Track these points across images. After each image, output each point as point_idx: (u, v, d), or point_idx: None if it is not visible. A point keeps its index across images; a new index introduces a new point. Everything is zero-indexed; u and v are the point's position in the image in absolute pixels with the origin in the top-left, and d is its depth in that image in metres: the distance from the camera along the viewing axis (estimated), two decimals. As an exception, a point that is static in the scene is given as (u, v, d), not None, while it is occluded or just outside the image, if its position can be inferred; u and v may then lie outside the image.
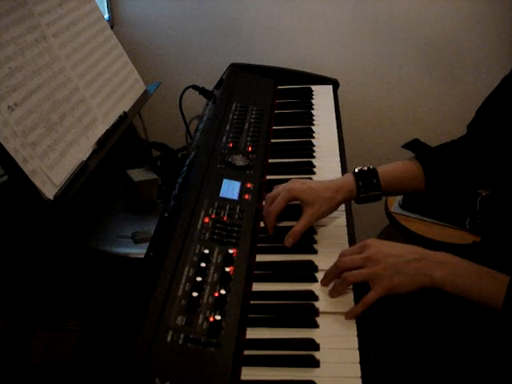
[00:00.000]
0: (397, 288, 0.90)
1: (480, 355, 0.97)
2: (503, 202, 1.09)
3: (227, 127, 1.37)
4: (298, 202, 1.12)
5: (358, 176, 1.11)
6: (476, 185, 1.20)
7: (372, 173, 1.11)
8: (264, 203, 1.13)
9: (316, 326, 0.89)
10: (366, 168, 1.11)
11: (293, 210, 1.15)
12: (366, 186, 1.10)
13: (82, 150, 1.21)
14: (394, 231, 1.77)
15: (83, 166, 1.17)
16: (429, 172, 1.12)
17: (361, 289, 0.94)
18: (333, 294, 0.94)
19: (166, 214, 1.11)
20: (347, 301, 0.93)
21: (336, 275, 0.95)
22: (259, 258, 1.03)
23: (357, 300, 0.93)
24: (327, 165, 1.30)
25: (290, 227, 1.09)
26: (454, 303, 0.93)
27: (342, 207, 1.15)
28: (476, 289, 0.89)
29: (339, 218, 1.13)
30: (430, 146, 1.16)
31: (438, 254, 0.93)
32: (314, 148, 1.36)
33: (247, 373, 0.82)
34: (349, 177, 1.12)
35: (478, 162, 1.12)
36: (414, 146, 1.16)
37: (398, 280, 0.90)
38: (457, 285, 0.89)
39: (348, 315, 0.90)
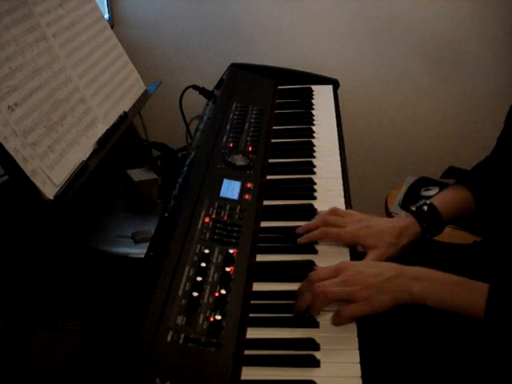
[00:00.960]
0: (378, 307, 0.89)
1: (479, 355, 0.97)
2: (503, 202, 1.09)
3: (227, 127, 1.37)
4: (298, 202, 1.12)
5: (420, 217, 1.09)
6: None
7: (433, 211, 1.10)
8: (317, 218, 1.10)
9: (316, 325, 0.89)
10: (425, 207, 1.10)
11: (293, 210, 1.16)
12: (430, 225, 1.09)
13: (82, 150, 1.21)
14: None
15: (83, 166, 1.17)
16: (476, 193, 1.13)
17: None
18: (312, 311, 0.90)
19: (166, 214, 1.11)
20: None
21: (311, 302, 0.90)
22: (259, 257, 1.03)
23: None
24: (327, 165, 1.30)
25: (291, 227, 1.10)
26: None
27: (342, 207, 1.15)
28: (456, 300, 0.89)
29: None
30: (467, 170, 1.18)
31: (415, 269, 0.92)
32: (314, 148, 1.36)
33: (247, 373, 0.82)
34: (409, 219, 1.09)
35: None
36: (453, 173, 1.17)
37: (379, 299, 0.89)
38: (436, 298, 0.89)
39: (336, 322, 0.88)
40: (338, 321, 0.89)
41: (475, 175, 1.17)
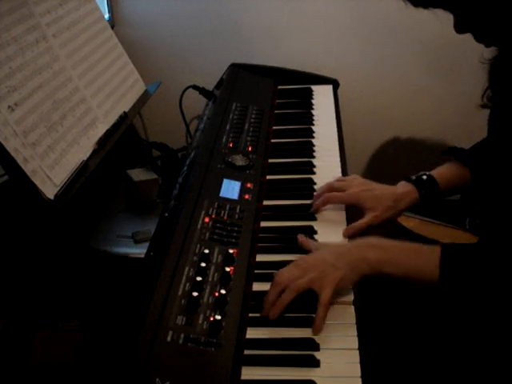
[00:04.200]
0: (341, 282, 0.90)
1: (479, 355, 0.97)
2: (496, 200, 1.09)
3: (227, 127, 1.37)
4: (298, 202, 1.13)
5: (419, 185, 1.15)
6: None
7: (431, 180, 1.16)
8: (325, 185, 1.17)
9: (316, 325, 0.89)
10: (425, 177, 1.16)
11: (293, 210, 1.16)
12: (428, 194, 1.15)
13: (83, 150, 1.21)
14: (394, 231, 1.77)
15: (83, 166, 1.17)
16: (473, 168, 1.18)
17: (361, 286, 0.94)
18: (278, 306, 0.89)
19: (166, 214, 1.11)
20: (347, 300, 0.93)
21: (277, 295, 0.91)
22: (259, 257, 1.03)
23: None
24: (327, 165, 1.30)
25: (291, 227, 1.10)
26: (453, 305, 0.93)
27: (342, 207, 1.15)
28: (411, 265, 0.91)
29: (339, 218, 1.13)
30: (465, 149, 1.22)
31: (368, 239, 0.96)
32: (314, 148, 1.36)
33: (247, 372, 0.82)
34: (409, 187, 1.15)
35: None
36: (453, 151, 1.23)
37: (339, 274, 0.90)
38: (392, 263, 0.91)
39: (315, 328, 0.87)
40: (317, 320, 0.87)
41: (472, 153, 1.21)
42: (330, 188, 1.15)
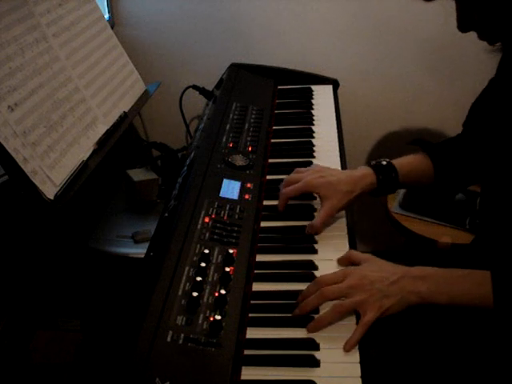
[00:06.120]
0: (387, 312, 0.89)
1: (480, 356, 0.97)
2: (491, 199, 1.09)
3: (227, 127, 1.37)
4: (298, 202, 1.12)
5: (378, 170, 1.13)
6: (476, 178, 1.23)
7: (391, 167, 1.14)
8: (282, 183, 1.15)
9: (316, 325, 0.89)
10: (384, 162, 1.14)
11: (293, 210, 1.16)
12: (385, 180, 1.13)
13: (83, 150, 1.21)
14: (394, 231, 1.77)
15: (83, 166, 1.17)
16: (437, 163, 1.17)
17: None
18: (318, 325, 0.88)
19: (166, 214, 1.11)
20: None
21: (319, 305, 0.91)
22: (259, 257, 1.03)
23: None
24: (327, 165, 1.29)
25: (291, 227, 1.10)
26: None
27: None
28: (464, 293, 0.90)
29: (339, 218, 1.13)
30: (433, 143, 1.21)
31: (418, 269, 0.93)
32: (314, 148, 1.36)
33: (247, 373, 0.82)
34: (367, 170, 1.13)
35: (473, 157, 1.15)
36: (420, 142, 1.21)
37: (387, 303, 0.89)
38: (445, 294, 0.90)
39: (348, 345, 0.85)
40: (354, 338, 0.86)
41: (440, 148, 1.19)
42: (287, 182, 1.13)
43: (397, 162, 1.15)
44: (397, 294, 0.89)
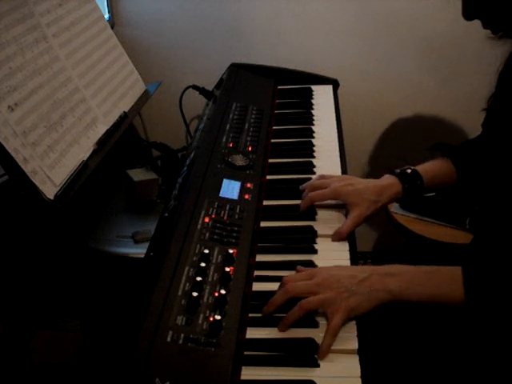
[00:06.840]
0: (356, 309, 0.88)
1: (479, 356, 0.97)
2: (489, 200, 1.10)
3: (227, 127, 1.37)
4: (298, 202, 1.12)
5: (403, 179, 1.14)
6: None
7: (416, 174, 1.14)
8: (306, 186, 1.16)
9: (316, 325, 0.89)
10: (409, 170, 1.15)
11: (293, 210, 1.16)
12: (411, 188, 1.13)
13: (83, 150, 1.21)
14: (394, 231, 1.77)
15: (83, 166, 1.17)
16: (459, 167, 1.17)
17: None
18: (286, 322, 0.88)
19: (166, 214, 1.11)
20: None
21: (284, 301, 0.90)
22: (259, 257, 1.03)
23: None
24: (327, 165, 1.30)
25: (291, 227, 1.10)
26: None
27: (342, 207, 1.15)
28: (433, 289, 0.89)
29: (339, 218, 1.13)
30: (454, 146, 1.21)
31: (386, 267, 0.92)
32: (314, 148, 1.36)
33: (247, 373, 0.82)
34: (392, 179, 1.14)
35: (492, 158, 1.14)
36: (441, 146, 1.21)
37: (355, 301, 0.88)
38: (414, 290, 0.89)
39: (320, 354, 0.84)
40: (323, 346, 0.85)
41: (461, 151, 1.19)
42: (312, 187, 1.14)
43: (421, 168, 1.16)
44: (365, 291, 0.89)
